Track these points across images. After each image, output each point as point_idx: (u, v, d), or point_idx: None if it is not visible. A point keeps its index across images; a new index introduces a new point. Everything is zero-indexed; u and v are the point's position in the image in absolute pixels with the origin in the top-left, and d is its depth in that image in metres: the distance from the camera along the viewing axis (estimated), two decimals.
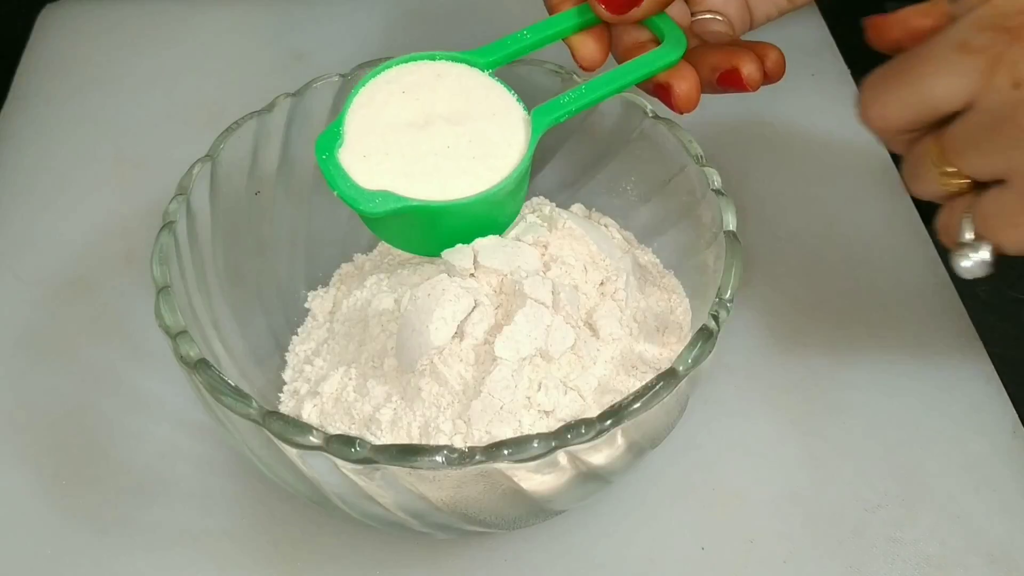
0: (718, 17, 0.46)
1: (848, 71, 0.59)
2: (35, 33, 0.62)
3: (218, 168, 0.40)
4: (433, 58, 0.39)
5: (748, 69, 0.39)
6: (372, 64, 0.41)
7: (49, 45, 0.61)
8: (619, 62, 0.41)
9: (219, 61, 0.60)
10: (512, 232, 0.39)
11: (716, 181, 0.38)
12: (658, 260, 0.43)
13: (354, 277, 0.44)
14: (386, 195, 0.35)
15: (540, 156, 0.45)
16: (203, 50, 0.61)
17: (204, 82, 0.59)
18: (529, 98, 0.38)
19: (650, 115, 0.40)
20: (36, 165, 0.54)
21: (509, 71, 0.40)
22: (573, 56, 0.41)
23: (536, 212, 0.41)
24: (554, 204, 0.42)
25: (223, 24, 0.62)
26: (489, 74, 0.39)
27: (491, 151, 0.36)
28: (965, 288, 0.48)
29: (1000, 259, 0.32)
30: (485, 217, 0.37)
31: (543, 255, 0.39)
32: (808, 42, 0.60)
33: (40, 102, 0.58)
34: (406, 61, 0.38)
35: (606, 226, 0.43)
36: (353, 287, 0.43)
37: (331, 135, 0.36)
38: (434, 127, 0.37)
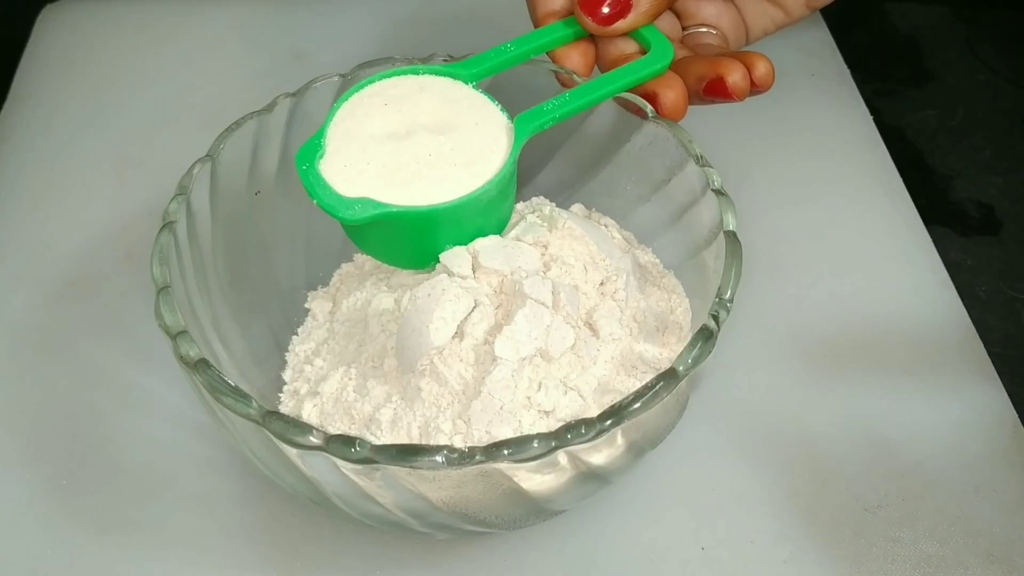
0: (711, 30, 0.46)
1: (848, 71, 0.59)
2: (35, 33, 0.62)
3: (218, 168, 0.40)
4: (416, 72, 0.39)
5: (733, 78, 0.39)
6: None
7: (49, 45, 0.61)
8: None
9: (219, 61, 0.60)
10: (512, 232, 0.39)
11: (716, 181, 0.38)
12: (658, 260, 0.43)
13: (354, 277, 0.44)
14: (366, 202, 0.35)
15: (540, 156, 0.45)
16: (203, 50, 0.61)
17: (204, 82, 0.59)
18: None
19: (650, 115, 0.40)
20: (36, 165, 0.54)
21: (507, 71, 0.40)
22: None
23: (536, 212, 0.41)
24: (554, 204, 0.42)
25: (223, 24, 0.62)
26: (473, 86, 0.39)
27: (474, 158, 0.36)
28: (965, 288, 0.48)
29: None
30: (469, 225, 0.37)
31: (543, 255, 0.39)
32: (808, 42, 0.60)
33: (40, 102, 0.58)
34: (389, 76, 0.38)
35: (606, 226, 0.43)
36: (353, 287, 0.43)
37: (312, 147, 0.36)
38: (416, 137, 0.36)
